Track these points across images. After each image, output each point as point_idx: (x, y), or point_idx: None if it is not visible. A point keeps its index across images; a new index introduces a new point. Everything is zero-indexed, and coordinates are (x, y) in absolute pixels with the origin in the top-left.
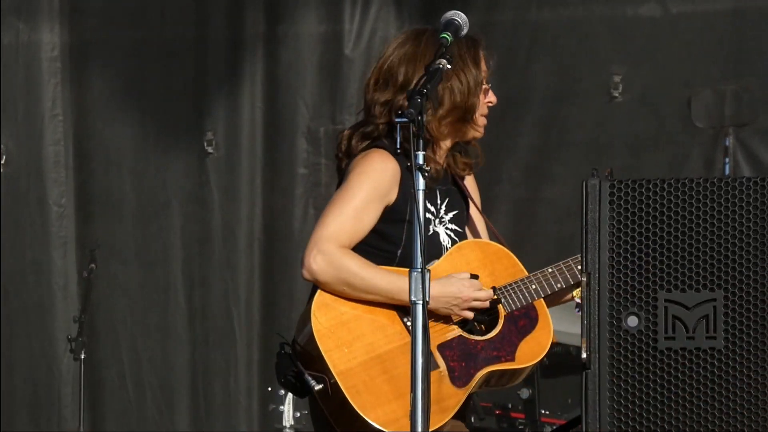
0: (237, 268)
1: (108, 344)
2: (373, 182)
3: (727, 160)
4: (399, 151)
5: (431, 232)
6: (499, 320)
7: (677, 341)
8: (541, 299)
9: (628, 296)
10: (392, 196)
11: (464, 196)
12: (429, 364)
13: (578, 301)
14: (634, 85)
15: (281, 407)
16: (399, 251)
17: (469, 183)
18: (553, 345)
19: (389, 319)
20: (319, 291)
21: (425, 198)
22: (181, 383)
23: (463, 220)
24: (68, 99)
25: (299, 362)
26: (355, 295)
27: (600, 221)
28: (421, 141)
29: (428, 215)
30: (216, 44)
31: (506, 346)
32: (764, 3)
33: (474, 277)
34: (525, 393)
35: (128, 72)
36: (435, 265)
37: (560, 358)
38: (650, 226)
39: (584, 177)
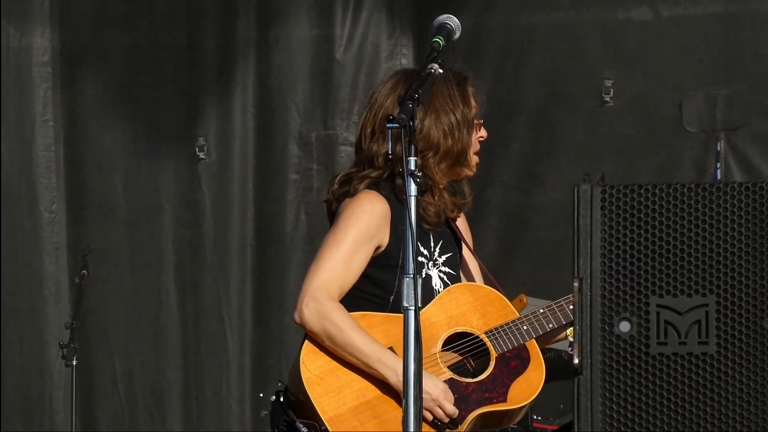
0: (229, 273)
1: (100, 350)
2: (362, 224)
3: (718, 164)
4: (390, 157)
5: (424, 275)
6: (491, 362)
7: (669, 346)
8: (533, 340)
9: (620, 301)
10: (383, 239)
11: (457, 238)
12: (421, 372)
13: (572, 339)
14: (625, 89)
15: None
16: (391, 297)
17: (461, 223)
18: (546, 350)
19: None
20: (307, 338)
21: (420, 242)
22: (173, 389)
23: (456, 262)
24: (59, 104)
25: (291, 410)
26: (336, 351)
27: (592, 226)
28: (413, 146)
29: (421, 258)
30: (207, 49)
31: (498, 387)
32: (755, 7)
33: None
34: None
35: (119, 77)
36: (426, 310)
37: (552, 363)
38: (642, 231)
39: (576, 182)
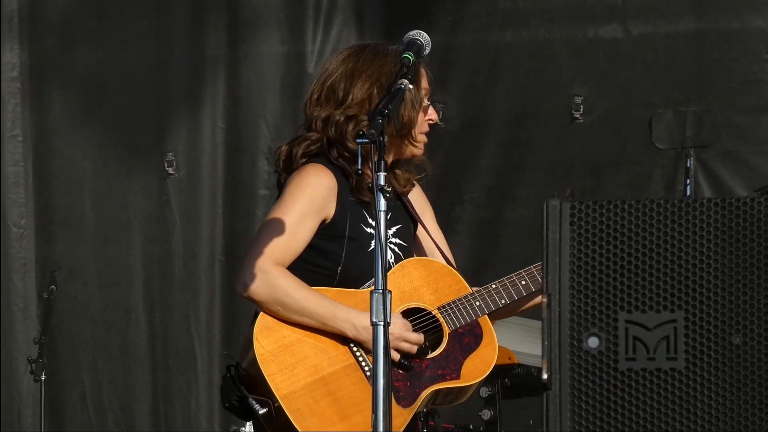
0: (197, 289)
1: (68, 366)
2: (308, 196)
3: (688, 181)
4: (360, 172)
5: (372, 247)
6: (444, 338)
7: (638, 362)
8: (486, 316)
9: (589, 317)
10: (329, 211)
11: (409, 212)
12: (390, 387)
13: None
14: (595, 106)
15: (242, 429)
16: (339, 268)
17: (418, 197)
18: (515, 366)
19: (333, 340)
20: (260, 314)
21: (367, 213)
22: (141, 405)
23: (408, 234)
24: (28, 119)
25: (243, 386)
26: (287, 316)
27: (561, 242)
28: (382, 162)
29: (370, 230)
30: (177, 65)
31: (451, 364)
32: (725, 25)
33: (411, 311)
34: (486, 414)
35: (88, 93)
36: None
37: (522, 379)
38: (611, 247)
39: (546, 198)
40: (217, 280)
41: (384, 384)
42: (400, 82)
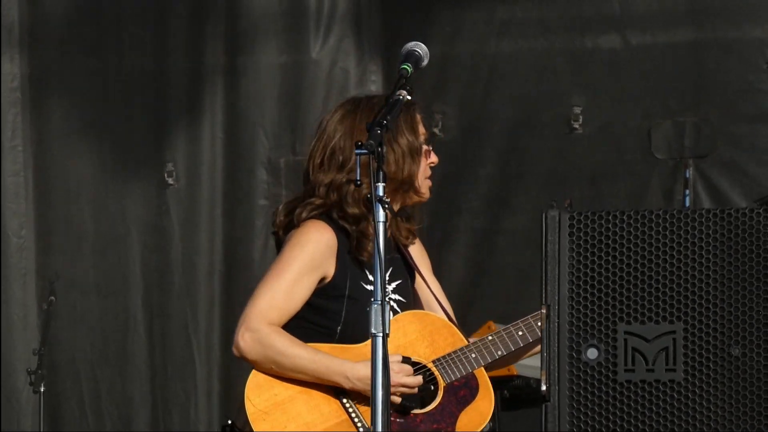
0: (197, 299)
1: (68, 376)
2: (307, 254)
3: (687, 191)
4: (359, 183)
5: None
6: (439, 391)
7: (637, 373)
8: (482, 368)
9: (588, 328)
10: (329, 269)
11: (408, 265)
12: (389, 399)
13: None
14: (593, 116)
15: None
16: (339, 327)
17: (416, 250)
18: (514, 377)
19: (324, 397)
20: (252, 372)
21: (367, 271)
22: (140, 414)
23: (407, 290)
24: (28, 130)
25: None
26: (282, 374)
27: (559, 253)
28: (381, 172)
29: (369, 287)
30: (176, 75)
31: (446, 418)
32: (724, 35)
33: (406, 360)
34: (486, 426)
35: (88, 103)
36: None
37: (520, 390)
38: (610, 257)
39: (544, 208)
40: (216, 289)
41: (383, 396)
42: (398, 93)
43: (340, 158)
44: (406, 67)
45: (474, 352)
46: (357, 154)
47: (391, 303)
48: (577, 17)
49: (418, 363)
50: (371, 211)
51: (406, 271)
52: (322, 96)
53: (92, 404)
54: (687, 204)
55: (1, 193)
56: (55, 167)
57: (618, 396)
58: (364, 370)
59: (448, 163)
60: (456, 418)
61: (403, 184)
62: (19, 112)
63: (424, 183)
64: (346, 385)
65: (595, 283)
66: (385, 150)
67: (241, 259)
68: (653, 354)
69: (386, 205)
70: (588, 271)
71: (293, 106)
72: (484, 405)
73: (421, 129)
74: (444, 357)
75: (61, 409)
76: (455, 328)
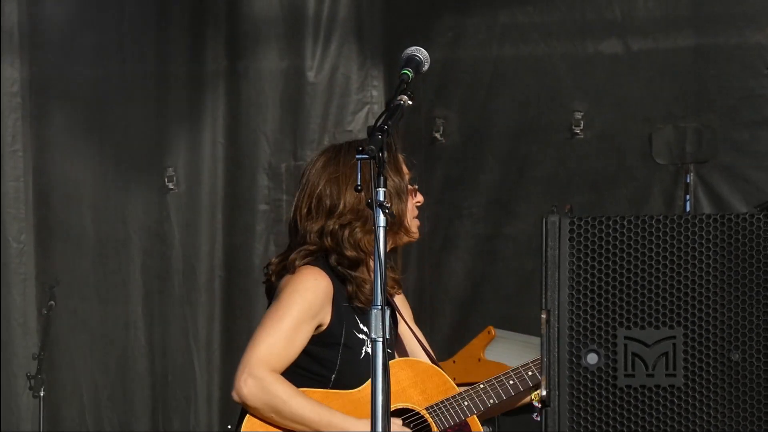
0: (197, 305)
1: (67, 381)
2: (305, 301)
3: (687, 196)
4: (360, 188)
5: (363, 354)
6: None
7: (637, 378)
8: (474, 416)
9: (588, 333)
10: (325, 317)
11: (393, 315)
12: (389, 404)
13: (536, 404)
14: (595, 121)
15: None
16: (333, 376)
17: (397, 298)
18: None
19: None
20: (247, 418)
21: (359, 319)
22: (140, 420)
23: (393, 339)
24: (28, 134)
25: None
26: (282, 424)
27: (560, 258)
28: (381, 178)
29: (362, 336)
30: (177, 80)
31: None
32: (725, 40)
33: (401, 411)
34: (485, 430)
35: (89, 107)
36: (365, 385)
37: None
38: (610, 263)
39: (544, 213)
40: (216, 295)
41: (383, 401)
42: (399, 98)
43: (328, 203)
44: (406, 72)
45: (467, 400)
46: (358, 159)
47: None
48: (579, 22)
49: (412, 410)
50: (368, 254)
51: (392, 321)
52: (323, 101)
53: (92, 410)
54: (687, 209)
55: (1, 198)
56: (56, 172)
57: (618, 401)
58: (366, 429)
59: (448, 168)
60: None
61: (393, 225)
62: (19, 117)
63: (412, 222)
64: None
65: (595, 288)
66: (386, 155)
67: (242, 265)
68: (653, 359)
69: (387, 210)
70: (588, 276)
71: (294, 111)
72: None
73: (405, 169)
74: (437, 404)
75: (60, 415)
76: (446, 376)
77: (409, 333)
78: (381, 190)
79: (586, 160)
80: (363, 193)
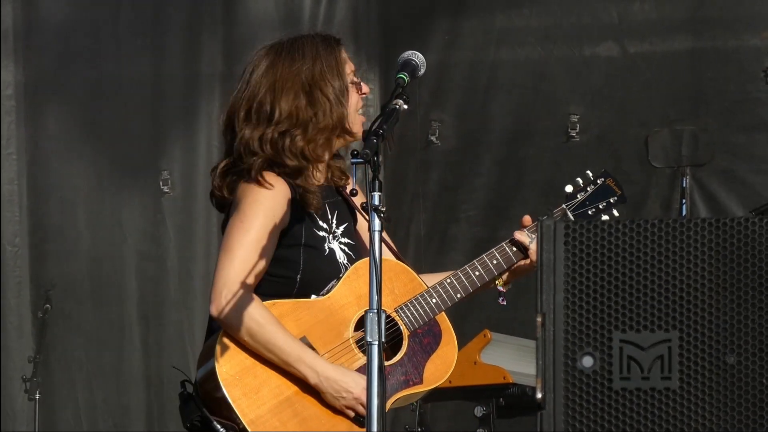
0: (192, 308)
1: (63, 384)
2: (267, 209)
3: (684, 200)
4: (355, 192)
5: (327, 250)
6: (404, 341)
7: (632, 381)
8: (443, 312)
9: (583, 336)
10: (286, 220)
11: (350, 207)
12: (384, 407)
13: (501, 289)
14: (591, 125)
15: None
16: (299, 276)
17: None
18: (509, 385)
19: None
20: (221, 334)
21: (317, 216)
22: (135, 423)
23: (351, 231)
24: (23, 137)
25: (205, 408)
26: (254, 348)
27: (555, 262)
28: (377, 182)
29: (323, 233)
30: (172, 83)
31: (413, 369)
32: (721, 44)
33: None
34: None
35: (83, 111)
36: (335, 292)
37: (516, 398)
38: (605, 266)
39: (540, 217)
40: None
41: (378, 404)
42: (394, 102)
43: (267, 110)
44: (402, 76)
45: (435, 297)
46: (353, 163)
47: (342, 246)
48: (575, 25)
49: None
50: (311, 161)
51: (348, 213)
52: None
53: (87, 412)
54: (684, 213)
55: None
56: (51, 175)
57: (613, 404)
58: (335, 373)
59: (445, 171)
60: (423, 368)
61: (334, 130)
62: (14, 120)
63: (355, 120)
64: (313, 379)
65: (591, 291)
66: (381, 159)
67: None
68: (648, 362)
69: (382, 215)
70: (583, 279)
71: None
72: (448, 352)
73: (348, 67)
74: (406, 304)
75: (56, 417)
76: (413, 273)
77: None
78: (376, 194)
79: (582, 163)
80: (310, 114)
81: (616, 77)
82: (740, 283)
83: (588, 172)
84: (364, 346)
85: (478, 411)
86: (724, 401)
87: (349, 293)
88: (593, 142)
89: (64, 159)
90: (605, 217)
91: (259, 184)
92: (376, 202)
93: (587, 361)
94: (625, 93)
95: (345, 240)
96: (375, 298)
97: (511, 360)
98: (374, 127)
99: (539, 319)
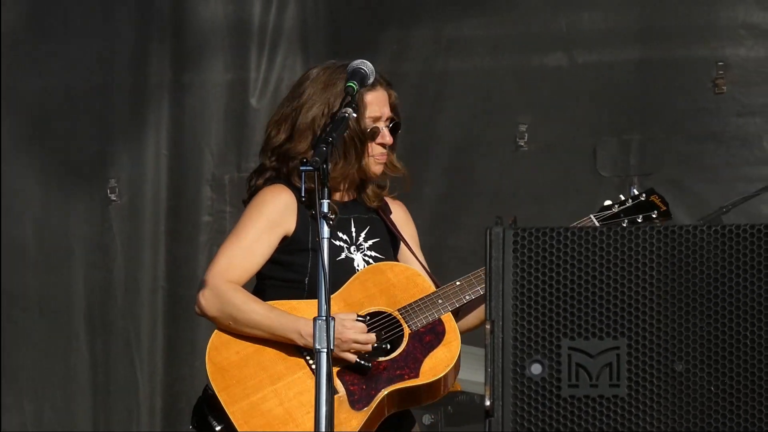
0: (140, 316)
1: (10, 393)
2: (263, 214)
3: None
4: (304, 199)
5: (343, 257)
6: (404, 339)
7: (580, 389)
8: (450, 313)
9: (532, 344)
10: (289, 226)
11: (388, 228)
12: (333, 412)
13: None
14: (539, 134)
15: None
16: (306, 279)
17: (400, 218)
18: (458, 393)
19: (286, 351)
20: (214, 332)
21: (336, 227)
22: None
23: (386, 248)
24: None
25: (206, 405)
26: (239, 330)
27: (504, 269)
28: (325, 189)
29: (339, 243)
30: (121, 91)
31: (410, 364)
32: (670, 53)
33: (361, 318)
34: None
35: (31, 118)
36: (342, 289)
37: (465, 406)
38: (554, 274)
39: (489, 225)
40: (159, 307)
41: (327, 411)
42: (344, 110)
43: (301, 127)
44: (351, 84)
45: (440, 298)
46: (302, 171)
47: (366, 258)
48: (525, 35)
49: (383, 312)
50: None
51: (387, 233)
52: (267, 113)
53: (34, 421)
54: None
55: None
56: None
57: (561, 411)
58: None
59: (393, 180)
60: (420, 363)
61: (350, 168)
62: None
63: (370, 163)
64: (300, 341)
65: (539, 299)
66: (329, 167)
67: (185, 276)
68: (597, 369)
69: (331, 222)
70: (532, 287)
71: (239, 123)
72: (449, 348)
73: (370, 111)
74: (410, 304)
75: (2, 427)
76: (424, 278)
77: (407, 252)
78: (325, 202)
79: (530, 172)
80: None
81: (565, 87)
82: (689, 290)
83: (634, 189)
84: (351, 348)
85: (426, 419)
86: (672, 408)
87: (357, 292)
88: (541, 152)
89: (12, 167)
90: None
91: (261, 194)
92: (325, 210)
93: (536, 369)
94: (574, 103)
95: (372, 253)
96: (324, 306)
97: (461, 368)
98: (323, 135)
99: (488, 327)
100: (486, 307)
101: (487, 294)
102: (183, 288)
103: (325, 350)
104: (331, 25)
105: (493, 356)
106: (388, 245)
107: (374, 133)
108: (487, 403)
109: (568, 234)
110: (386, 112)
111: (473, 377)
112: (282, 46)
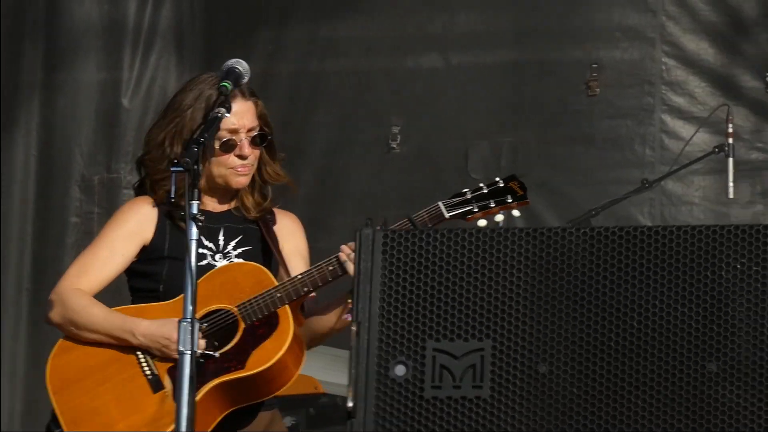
0: (4, 318)
1: None
2: (116, 224)
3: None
4: (173, 199)
5: (205, 263)
6: (237, 333)
7: (443, 390)
8: (287, 306)
9: (397, 345)
10: (147, 235)
11: (263, 238)
12: (194, 415)
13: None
14: (411, 136)
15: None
16: (161, 287)
17: (287, 227)
18: (320, 395)
19: (122, 352)
20: (58, 341)
21: (203, 235)
22: None
23: (256, 257)
24: None
25: (52, 411)
26: (82, 335)
27: (372, 271)
28: (196, 191)
29: (203, 250)
30: None
31: (239, 356)
32: (544, 56)
33: (213, 312)
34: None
35: None
36: (179, 297)
37: (327, 409)
38: (422, 275)
39: (360, 227)
40: (23, 308)
41: (188, 413)
42: (216, 110)
43: (160, 140)
44: (225, 84)
45: (279, 292)
46: (172, 171)
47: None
48: (400, 36)
49: (221, 309)
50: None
51: (261, 243)
52: (138, 114)
53: None
54: (501, 223)
55: None
56: None
57: (424, 413)
58: (148, 326)
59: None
60: (248, 355)
61: (210, 180)
62: None
63: (228, 175)
64: (134, 341)
65: (407, 300)
66: (201, 168)
67: (51, 278)
68: (461, 371)
69: (200, 223)
70: (400, 288)
71: (110, 123)
72: (279, 338)
73: (226, 123)
74: (249, 300)
75: None
76: (268, 273)
77: (289, 259)
78: (195, 203)
79: (402, 174)
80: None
81: (438, 88)
82: (555, 293)
83: (496, 178)
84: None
85: (288, 421)
86: (534, 410)
87: (201, 292)
88: (413, 154)
89: None
90: (483, 222)
91: (122, 207)
92: (195, 211)
93: (400, 370)
94: (447, 104)
95: (240, 261)
96: (189, 308)
97: (323, 370)
98: (195, 136)
99: (354, 328)
100: (353, 309)
101: (355, 296)
102: (48, 290)
103: (189, 352)
104: (206, 24)
105: (357, 358)
106: (260, 254)
107: (230, 146)
108: (350, 404)
109: (438, 236)
110: (247, 123)
111: (336, 379)
112: (156, 46)
